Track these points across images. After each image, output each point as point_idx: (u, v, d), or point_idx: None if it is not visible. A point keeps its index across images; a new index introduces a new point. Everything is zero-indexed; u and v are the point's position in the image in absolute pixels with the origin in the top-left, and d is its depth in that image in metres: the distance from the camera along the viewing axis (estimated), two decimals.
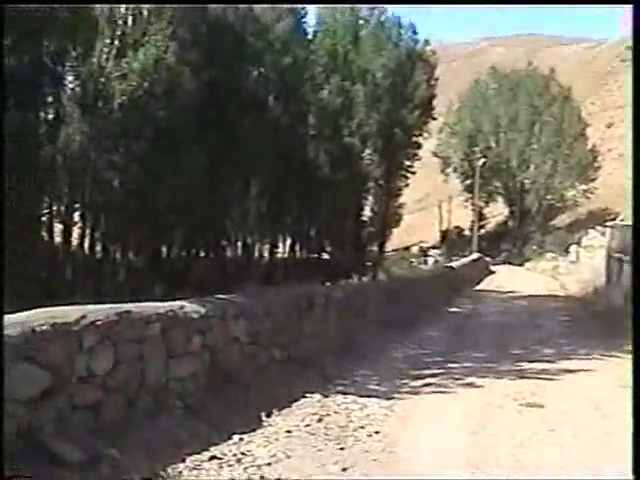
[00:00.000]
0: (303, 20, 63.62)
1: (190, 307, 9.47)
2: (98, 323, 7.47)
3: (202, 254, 61.32)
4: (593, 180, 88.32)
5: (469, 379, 13.57)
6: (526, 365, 15.38)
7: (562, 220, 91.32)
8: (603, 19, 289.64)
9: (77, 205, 46.87)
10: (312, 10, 67.99)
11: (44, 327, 6.86)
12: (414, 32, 75.10)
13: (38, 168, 42.94)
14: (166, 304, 9.14)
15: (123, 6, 42.51)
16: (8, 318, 6.79)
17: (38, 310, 7.30)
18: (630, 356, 16.58)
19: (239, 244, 62.41)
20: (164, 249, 57.90)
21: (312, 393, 11.33)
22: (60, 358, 7.02)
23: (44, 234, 48.42)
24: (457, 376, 13.86)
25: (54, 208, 48.71)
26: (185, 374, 9.12)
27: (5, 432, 6.24)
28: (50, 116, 47.26)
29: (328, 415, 10.32)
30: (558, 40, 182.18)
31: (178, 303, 9.37)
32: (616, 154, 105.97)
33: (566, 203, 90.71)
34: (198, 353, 9.49)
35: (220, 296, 11.07)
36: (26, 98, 43.63)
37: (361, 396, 11.58)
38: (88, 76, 42.65)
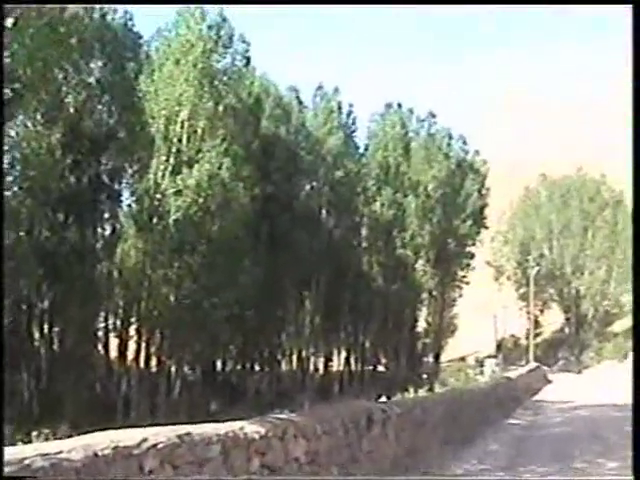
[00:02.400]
0: (354, 133, 64.59)
1: (250, 428, 9.43)
2: (159, 446, 7.46)
3: (257, 368, 61.34)
4: None
5: None
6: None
7: (619, 326, 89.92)
8: None
9: (133, 319, 47.49)
10: (363, 124, 68.88)
11: (106, 451, 6.87)
12: (464, 142, 75.70)
13: (96, 283, 43.74)
14: (226, 425, 9.11)
15: (178, 124, 43.68)
16: (73, 441, 6.83)
17: (101, 433, 7.32)
18: None
19: (294, 357, 62.39)
20: (219, 363, 58.08)
21: None
22: None
23: (100, 348, 49.02)
24: None
25: (110, 322, 49.45)
26: None
27: None
28: (107, 232, 48.37)
29: None
30: (608, 144, 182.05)
31: (238, 424, 9.33)
32: None
33: (623, 309, 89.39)
34: (257, 474, 9.40)
35: (279, 415, 11.03)
36: (85, 215, 44.75)
37: None
38: (144, 192, 43.67)
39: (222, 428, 8.87)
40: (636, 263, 12.65)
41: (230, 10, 47.37)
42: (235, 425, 9.21)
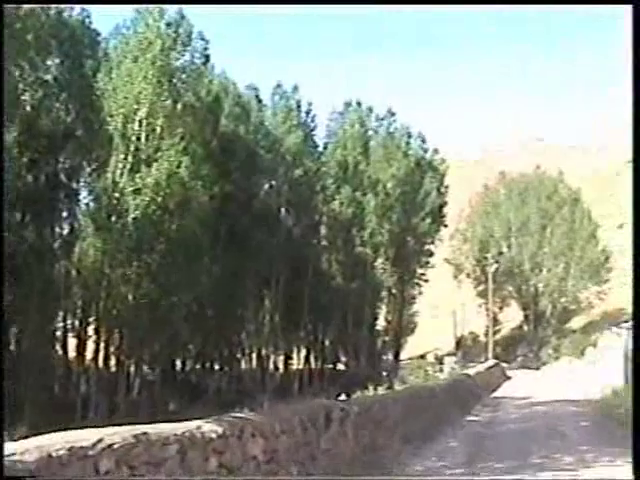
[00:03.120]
0: (313, 132, 64.49)
1: (207, 427, 9.39)
2: (115, 446, 7.40)
3: (217, 367, 61.17)
4: (606, 281, 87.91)
5: None
6: (548, 475, 15.08)
7: (577, 322, 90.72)
8: (608, 120, 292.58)
9: (91, 319, 47.12)
10: (322, 122, 68.81)
11: (61, 452, 6.80)
12: (423, 141, 75.95)
13: (54, 282, 43.31)
14: (183, 424, 9.07)
15: (137, 122, 43.42)
16: (27, 442, 6.76)
17: (56, 434, 7.25)
18: None
19: (254, 356, 62.30)
20: (179, 362, 57.87)
21: None
22: None
23: (59, 348, 48.56)
24: None
25: (68, 322, 48.98)
26: None
27: None
28: (65, 231, 47.90)
29: None
30: (564, 144, 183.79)
31: (195, 423, 9.29)
32: (629, 254, 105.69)
33: (580, 305, 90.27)
34: (215, 473, 9.36)
35: (237, 414, 10.99)
36: (42, 214, 44.28)
37: None
38: (102, 191, 43.36)
39: (179, 428, 8.83)
40: (636, 264, 12.72)
41: (189, 9, 47.06)
42: (192, 425, 9.18)
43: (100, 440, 7.29)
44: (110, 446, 7.34)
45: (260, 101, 63.25)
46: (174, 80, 45.94)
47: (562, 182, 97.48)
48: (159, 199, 42.69)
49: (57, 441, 6.98)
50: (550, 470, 15.62)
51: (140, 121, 43.91)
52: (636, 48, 11.86)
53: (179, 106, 45.65)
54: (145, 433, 8.01)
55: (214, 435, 9.38)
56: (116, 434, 7.61)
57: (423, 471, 15.91)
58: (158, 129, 44.44)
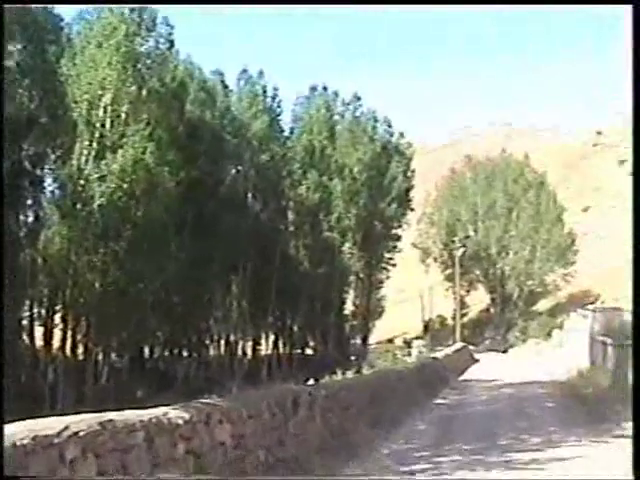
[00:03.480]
0: (279, 117, 64.36)
1: (174, 413, 9.37)
2: (81, 434, 7.36)
3: (185, 353, 61.01)
4: (572, 264, 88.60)
5: (459, 473, 13.39)
6: (515, 455, 15.23)
7: (544, 305, 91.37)
8: (573, 104, 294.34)
9: (58, 307, 46.78)
10: (288, 107, 68.70)
11: (25, 441, 6.76)
12: (389, 125, 76.01)
13: (19, 270, 42.94)
14: (150, 411, 9.03)
15: (101, 108, 43.11)
16: None
17: (20, 422, 7.20)
18: (620, 440, 16.56)
19: (222, 342, 62.19)
20: (147, 349, 57.65)
21: None
22: (42, 472, 6.89)
23: (25, 337, 48.17)
24: (446, 470, 13.69)
25: (35, 310, 48.60)
26: None
27: None
28: (30, 219, 47.45)
29: None
30: (530, 127, 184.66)
31: (162, 409, 9.26)
32: (594, 236, 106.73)
33: (547, 288, 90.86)
34: (182, 460, 9.35)
35: (204, 400, 10.97)
36: (6, 201, 43.80)
37: None
38: (67, 178, 43.02)
39: (146, 414, 8.81)
40: (636, 259, 12.78)
41: None
42: (159, 411, 9.15)
43: (65, 428, 7.25)
44: (76, 434, 7.30)
45: (226, 86, 63.05)
46: (139, 66, 45.69)
47: (528, 166, 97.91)
48: (125, 186, 42.46)
49: (21, 430, 6.93)
50: (517, 451, 15.77)
51: (105, 107, 43.63)
52: (636, 48, 11.90)
53: (144, 92, 45.41)
54: (111, 420, 7.99)
55: (181, 421, 9.37)
56: (82, 422, 7.58)
57: (390, 454, 15.99)
58: (123, 115, 44.18)
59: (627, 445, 16.20)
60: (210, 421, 10.27)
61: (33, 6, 45.96)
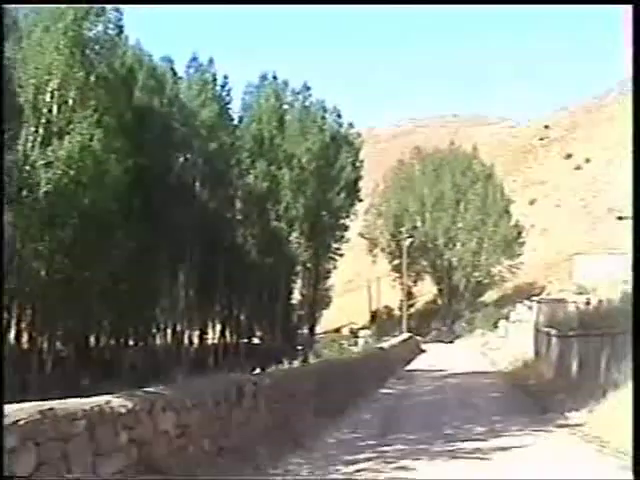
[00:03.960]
0: (229, 106, 64.10)
1: (117, 402, 9.27)
2: (20, 423, 7.26)
3: (131, 342, 60.66)
4: (518, 255, 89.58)
5: (402, 462, 13.42)
6: (459, 445, 15.30)
7: (490, 296, 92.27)
8: (521, 98, 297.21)
9: (2, 295, 46.12)
10: (237, 96, 68.50)
11: None
12: (338, 115, 76.07)
13: None
14: (92, 399, 8.93)
15: (48, 94, 42.55)
16: None
17: None
18: (564, 429, 16.74)
19: (169, 331, 61.89)
20: (92, 338, 57.17)
21: None
22: None
23: None
24: (390, 460, 13.71)
25: None
26: (112, 471, 8.88)
27: None
28: None
29: None
30: (479, 120, 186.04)
31: (104, 398, 9.16)
32: (540, 229, 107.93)
33: (493, 279, 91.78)
34: (125, 449, 9.27)
35: (147, 389, 10.88)
36: None
37: None
38: (13, 164, 42.35)
39: (87, 403, 8.70)
40: (636, 256, 12.86)
41: None
42: (101, 400, 9.05)
43: (5, 417, 7.15)
44: (15, 422, 7.20)
45: (175, 74, 62.72)
46: (87, 51, 45.27)
47: (476, 158, 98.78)
48: (71, 173, 42.02)
49: None
50: (461, 440, 15.86)
51: (52, 92, 43.13)
52: (636, 48, 11.96)
53: (92, 77, 44.97)
54: (52, 409, 7.87)
55: (124, 410, 9.27)
56: (21, 410, 7.47)
57: (335, 443, 16.03)
58: (70, 101, 43.72)
59: (570, 434, 16.48)
60: (153, 410, 10.18)
61: None
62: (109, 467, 8.83)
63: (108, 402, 9.09)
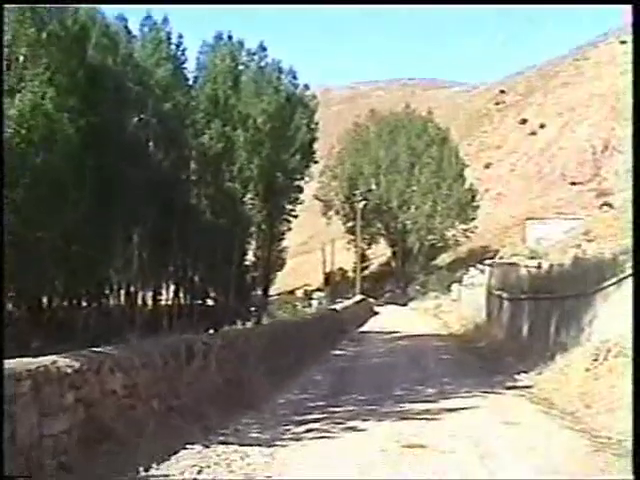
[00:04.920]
0: (183, 66, 63.55)
1: (63, 362, 9.22)
2: None
3: (84, 303, 60.28)
4: (472, 219, 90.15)
5: (351, 423, 13.54)
6: (408, 406, 15.48)
7: (444, 259, 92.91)
8: (477, 62, 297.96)
9: None
10: (192, 56, 67.94)
11: None
12: (294, 77, 75.86)
13: None
14: (38, 360, 8.88)
15: None
16: None
17: None
18: (512, 391, 16.98)
19: (122, 292, 61.57)
20: (45, 299, 56.71)
21: (192, 444, 11.14)
22: None
23: None
24: (339, 420, 13.83)
25: None
26: (58, 431, 8.86)
27: None
28: None
29: (208, 467, 10.16)
30: (435, 83, 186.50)
31: (50, 358, 9.11)
32: (494, 193, 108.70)
33: (447, 242, 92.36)
34: (72, 409, 9.24)
35: (95, 349, 10.83)
36: None
37: (242, 445, 11.42)
38: None
39: (33, 363, 8.66)
40: (636, 259, 12.92)
41: None
42: (47, 360, 9.00)
43: None
44: None
45: (129, 32, 62.02)
46: (38, 7, 44.47)
47: (432, 121, 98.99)
48: (23, 131, 41.45)
49: None
50: (410, 402, 16.02)
51: (1, 49, 42.40)
52: (636, 48, 11.96)
53: (43, 35, 44.25)
54: None
55: (70, 370, 9.23)
56: None
57: (286, 403, 16.12)
58: (21, 58, 43.04)
59: (518, 396, 16.71)
60: (101, 370, 10.16)
61: None
62: (55, 427, 8.81)
63: (54, 362, 9.04)
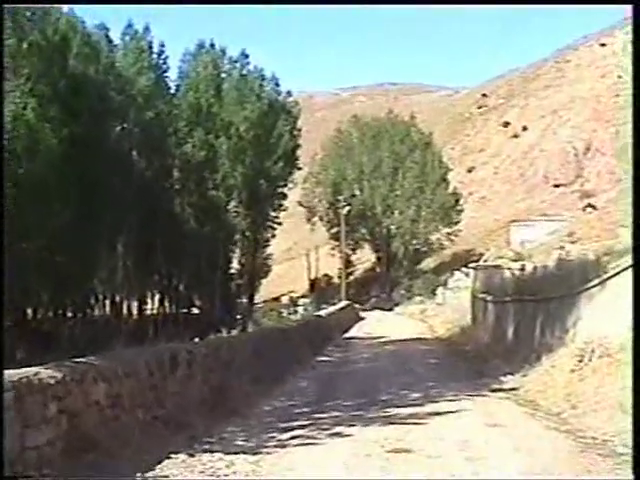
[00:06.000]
0: (165, 74, 63.58)
1: (46, 373, 9.20)
2: None
3: (70, 314, 60.06)
4: (456, 223, 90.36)
5: (337, 428, 13.52)
6: (394, 410, 15.47)
7: (428, 264, 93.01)
8: (459, 66, 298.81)
9: None
10: (174, 64, 67.95)
11: None
12: (276, 84, 75.84)
13: None
14: (20, 371, 8.85)
15: None
16: None
17: None
18: (498, 393, 17.00)
19: (107, 302, 61.42)
20: (30, 310, 56.48)
21: (177, 454, 11.10)
22: None
23: None
24: (325, 426, 13.81)
25: None
26: (41, 442, 8.83)
27: None
28: None
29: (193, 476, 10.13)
30: (417, 88, 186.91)
31: (33, 369, 9.08)
32: (478, 197, 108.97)
33: (431, 247, 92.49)
34: (55, 420, 9.21)
35: (78, 359, 10.80)
36: None
37: (228, 453, 11.39)
38: None
39: (15, 375, 8.63)
40: (636, 258, 12.93)
41: None
42: (30, 371, 8.97)
43: None
44: None
45: (110, 41, 61.99)
46: (18, 17, 44.35)
47: (414, 126, 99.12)
48: (5, 142, 41.33)
49: None
50: (396, 406, 16.01)
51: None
52: (636, 48, 11.98)
53: (24, 45, 44.17)
54: None
55: (52, 381, 9.21)
56: None
57: (271, 411, 16.10)
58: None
59: (504, 398, 16.74)
60: (84, 380, 10.12)
61: None
62: (38, 439, 8.78)
63: (37, 374, 9.02)
